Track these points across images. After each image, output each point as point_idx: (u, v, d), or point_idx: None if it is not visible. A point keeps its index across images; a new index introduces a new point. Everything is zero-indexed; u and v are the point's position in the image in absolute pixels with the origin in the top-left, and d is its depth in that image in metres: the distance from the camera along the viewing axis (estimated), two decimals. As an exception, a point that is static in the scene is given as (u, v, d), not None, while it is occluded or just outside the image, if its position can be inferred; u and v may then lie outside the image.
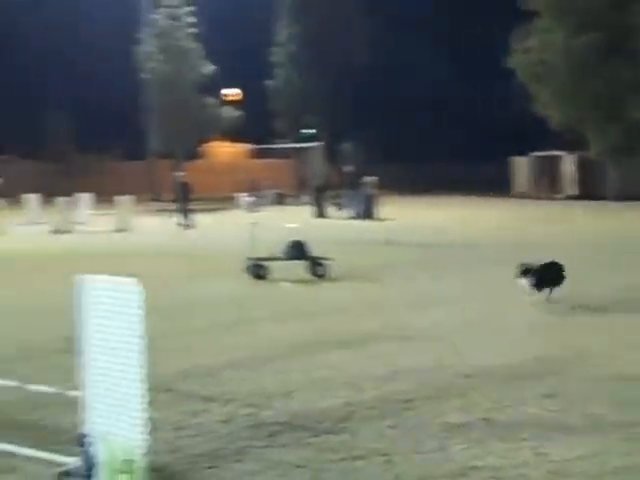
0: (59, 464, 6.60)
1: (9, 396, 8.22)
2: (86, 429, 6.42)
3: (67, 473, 6.47)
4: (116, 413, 6.27)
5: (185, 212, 35.22)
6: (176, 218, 35.31)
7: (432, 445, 7.07)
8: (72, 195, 37.17)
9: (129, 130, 62.26)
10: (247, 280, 17.03)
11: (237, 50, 66.60)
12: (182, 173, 39.70)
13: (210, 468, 6.63)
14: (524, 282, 13.64)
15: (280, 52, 66.54)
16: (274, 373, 9.45)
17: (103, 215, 35.37)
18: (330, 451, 6.94)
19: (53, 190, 43.53)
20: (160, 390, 8.15)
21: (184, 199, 35.79)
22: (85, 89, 66.85)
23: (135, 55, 58.81)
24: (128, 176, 62.01)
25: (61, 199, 33.82)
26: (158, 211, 44.18)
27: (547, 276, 13.67)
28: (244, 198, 47.19)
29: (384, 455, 6.85)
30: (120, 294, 6.22)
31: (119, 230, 32.32)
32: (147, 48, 58.65)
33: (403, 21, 65.23)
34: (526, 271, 13.66)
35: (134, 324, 6.17)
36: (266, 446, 7.09)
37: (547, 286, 13.63)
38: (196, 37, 59.66)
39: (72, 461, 6.50)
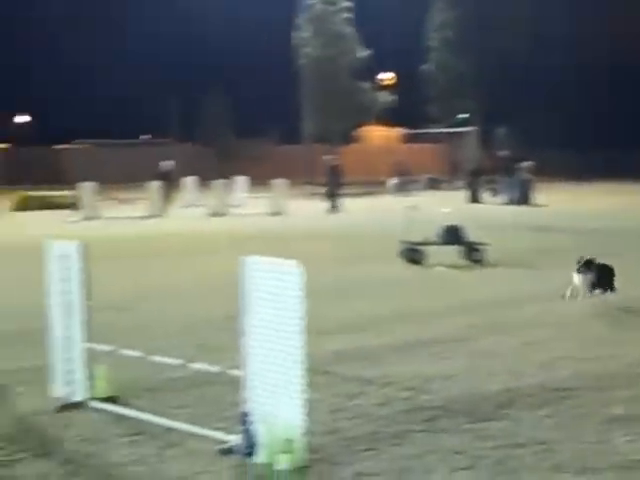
0: (220, 441, 6.73)
1: (173, 374, 8.42)
2: (247, 408, 6.53)
3: (228, 450, 6.59)
4: (276, 393, 6.35)
5: (334, 196, 35.45)
6: (325, 202, 35.60)
7: (594, 436, 6.90)
8: (229, 178, 37.86)
9: (286, 114, 63.00)
10: (401, 264, 17.00)
11: (392, 34, 66.57)
12: (332, 157, 39.91)
13: (368, 451, 6.63)
14: (582, 278, 12.46)
15: (435, 36, 66.07)
16: (433, 357, 9.40)
17: (258, 198, 35.88)
18: (489, 438, 6.85)
19: (210, 173, 44.44)
20: (317, 372, 8.19)
21: (334, 183, 36.02)
22: (244, 74, 67.95)
23: (292, 40, 59.36)
24: (284, 160, 62.78)
25: (218, 182, 34.46)
26: (312, 195, 44.55)
27: (604, 277, 12.61)
28: (394, 182, 47.24)
29: (543, 444, 6.73)
30: (281, 275, 6.29)
31: (274, 213, 32.74)
32: (304, 34, 59.11)
33: (563, 2, 63.82)
34: (588, 264, 12.46)
35: (295, 305, 6.24)
36: (424, 430, 7.06)
37: (602, 287, 12.61)
38: (351, 22, 59.81)
39: (233, 439, 6.62)
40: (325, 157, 40.40)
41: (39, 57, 78.80)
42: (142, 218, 31.34)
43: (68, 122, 71.73)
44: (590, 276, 12.43)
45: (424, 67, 66.22)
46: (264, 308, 6.39)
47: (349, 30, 59.48)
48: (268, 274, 6.35)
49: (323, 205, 35.40)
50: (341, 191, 36.11)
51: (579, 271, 12.47)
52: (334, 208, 34.71)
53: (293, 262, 6.26)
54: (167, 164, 34.67)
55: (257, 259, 6.46)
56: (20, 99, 74.27)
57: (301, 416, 6.28)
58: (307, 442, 6.34)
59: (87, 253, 7.84)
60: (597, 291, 12.59)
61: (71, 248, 7.87)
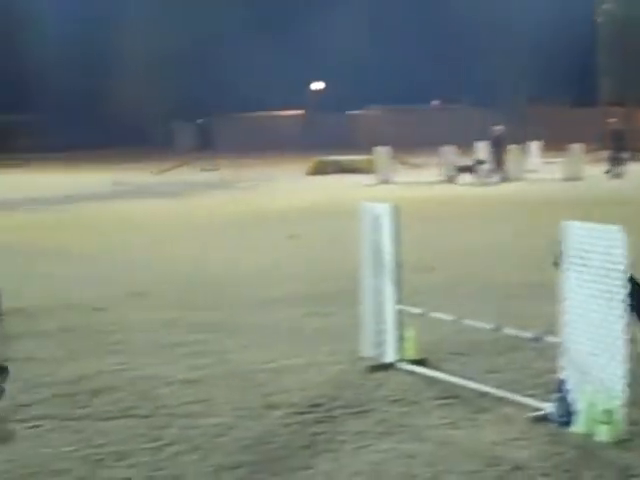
0: (534, 408, 6.60)
1: (477, 337, 8.37)
2: (564, 376, 6.36)
3: (543, 418, 6.46)
4: (595, 362, 6.15)
5: (617, 160, 34.14)
6: (609, 166, 34.34)
7: None
8: (522, 143, 37.25)
9: (581, 76, 61.24)
10: None
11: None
12: (615, 120, 38.47)
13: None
14: None
15: None
16: None
17: (552, 163, 35.13)
18: None
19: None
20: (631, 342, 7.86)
21: (617, 147, 34.72)
22: (535, 35, 66.47)
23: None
24: (577, 124, 61.05)
25: (513, 147, 34.02)
26: (602, 160, 43.13)
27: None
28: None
29: None
30: (603, 241, 6.07)
31: (569, 178, 31.89)
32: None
33: None
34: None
35: (618, 272, 6.00)
36: None
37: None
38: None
39: (548, 407, 6.48)
40: (609, 120, 38.98)
41: (331, 28, 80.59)
42: (434, 183, 31.47)
43: (360, 89, 72.99)
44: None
45: None
46: (584, 274, 6.19)
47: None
48: (589, 239, 6.15)
49: (607, 170, 34.18)
50: (624, 156, 34.75)
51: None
52: (616, 174, 33.43)
53: (615, 228, 6.03)
54: (498, 128, 34.52)
55: (578, 224, 6.26)
56: (315, 67, 76.31)
57: (622, 386, 6.05)
58: (627, 414, 6.10)
59: (398, 215, 7.90)
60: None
61: (384, 210, 7.95)
